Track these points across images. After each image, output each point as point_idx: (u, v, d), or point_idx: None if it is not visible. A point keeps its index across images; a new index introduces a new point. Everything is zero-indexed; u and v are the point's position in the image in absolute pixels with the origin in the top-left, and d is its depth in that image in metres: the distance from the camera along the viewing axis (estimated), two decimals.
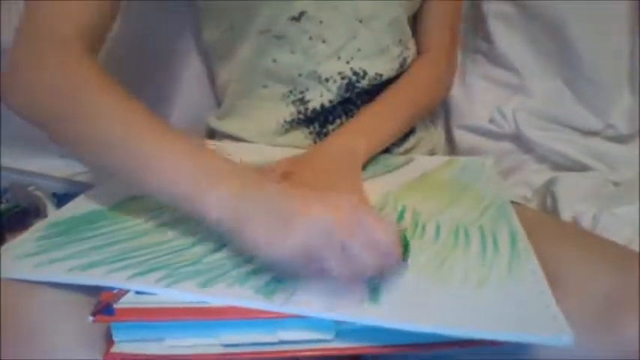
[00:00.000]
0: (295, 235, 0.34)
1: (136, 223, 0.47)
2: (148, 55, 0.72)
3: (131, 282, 0.38)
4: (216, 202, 0.37)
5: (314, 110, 0.63)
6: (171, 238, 0.44)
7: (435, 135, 0.76)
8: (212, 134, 0.70)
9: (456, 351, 0.37)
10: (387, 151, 0.65)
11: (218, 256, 0.41)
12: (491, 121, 0.79)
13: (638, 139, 0.77)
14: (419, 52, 0.70)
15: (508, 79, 0.79)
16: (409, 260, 0.41)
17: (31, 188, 0.69)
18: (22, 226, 0.66)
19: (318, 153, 0.56)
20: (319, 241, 0.34)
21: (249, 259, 0.40)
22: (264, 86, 0.63)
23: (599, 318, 0.38)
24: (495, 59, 0.80)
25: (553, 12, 0.74)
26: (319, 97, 0.62)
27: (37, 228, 0.46)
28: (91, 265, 0.40)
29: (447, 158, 0.66)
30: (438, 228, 0.47)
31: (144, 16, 0.70)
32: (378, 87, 0.65)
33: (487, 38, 0.80)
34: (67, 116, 0.44)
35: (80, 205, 0.51)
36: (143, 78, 0.70)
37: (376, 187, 0.55)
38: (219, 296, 0.36)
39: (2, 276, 0.39)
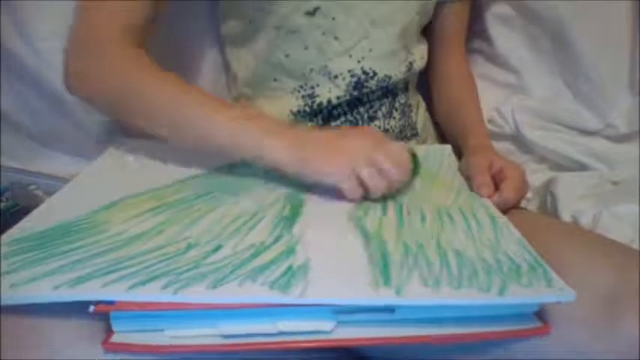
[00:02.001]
0: (345, 161, 0.47)
1: (113, 234, 0.43)
2: (167, 46, 0.72)
3: (133, 293, 0.35)
4: (281, 148, 0.49)
5: (320, 104, 0.64)
6: (159, 245, 0.42)
7: (434, 136, 0.76)
8: None
9: (453, 346, 0.38)
10: None
11: (218, 256, 0.40)
12: (491, 121, 0.79)
13: (637, 139, 0.77)
14: (438, 54, 0.73)
15: (507, 79, 0.79)
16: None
17: (31, 188, 0.69)
18: None
19: None
20: (361, 161, 0.47)
21: (254, 254, 0.40)
22: (275, 80, 0.64)
23: (599, 316, 0.37)
24: (495, 59, 0.80)
25: (552, 12, 0.74)
26: (327, 93, 0.63)
27: (2, 242, 0.41)
28: (81, 280, 0.36)
29: (423, 147, 0.67)
30: (421, 213, 0.48)
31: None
32: (385, 88, 0.65)
33: (486, 38, 0.79)
34: (133, 99, 0.53)
35: (41, 219, 0.45)
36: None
37: None
38: (233, 295, 0.35)
39: None
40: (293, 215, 0.47)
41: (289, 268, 0.38)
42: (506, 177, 0.55)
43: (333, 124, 0.65)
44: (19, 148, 0.72)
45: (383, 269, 0.38)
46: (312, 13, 0.60)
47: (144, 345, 0.36)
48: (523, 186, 0.57)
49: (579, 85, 0.76)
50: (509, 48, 0.78)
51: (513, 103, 0.78)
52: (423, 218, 0.48)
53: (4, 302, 0.35)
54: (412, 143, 0.70)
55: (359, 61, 0.63)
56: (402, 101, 0.68)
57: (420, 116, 0.73)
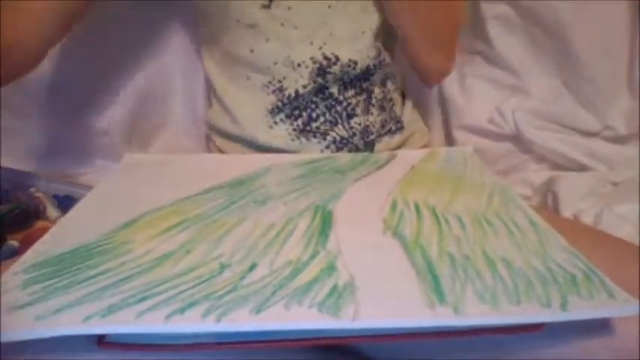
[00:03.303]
0: None
1: (138, 255, 0.40)
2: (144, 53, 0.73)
3: (172, 323, 0.33)
4: None
5: (289, 97, 0.63)
6: (190, 267, 0.38)
7: (426, 135, 0.75)
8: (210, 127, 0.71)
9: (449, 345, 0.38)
10: (373, 148, 0.65)
11: (255, 276, 0.37)
12: (491, 121, 0.79)
13: (637, 140, 0.77)
14: None
15: (507, 80, 0.79)
16: None
17: (31, 190, 0.69)
18: (22, 228, 0.66)
19: None
20: None
21: (293, 272, 0.38)
22: (247, 78, 0.64)
23: None
24: (494, 60, 0.80)
25: (552, 13, 0.74)
26: (294, 84, 0.63)
27: (14, 271, 0.38)
28: (112, 310, 0.33)
29: (427, 150, 0.65)
30: (459, 220, 0.46)
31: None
32: (356, 76, 0.64)
33: (486, 39, 0.79)
34: None
35: (57, 242, 0.42)
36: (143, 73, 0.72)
37: (374, 186, 0.54)
38: (281, 321, 0.33)
39: None
40: (324, 227, 0.45)
41: (334, 287, 0.36)
42: None
43: (313, 125, 0.64)
44: (19, 149, 0.72)
45: (434, 285, 0.36)
46: (267, 6, 0.60)
47: (139, 345, 0.34)
48: None
49: (578, 87, 0.76)
50: (509, 49, 0.78)
51: (513, 104, 0.78)
52: (462, 225, 0.45)
53: (28, 337, 0.32)
54: (397, 137, 0.68)
55: (320, 47, 0.62)
56: (380, 97, 0.67)
57: (407, 110, 0.71)
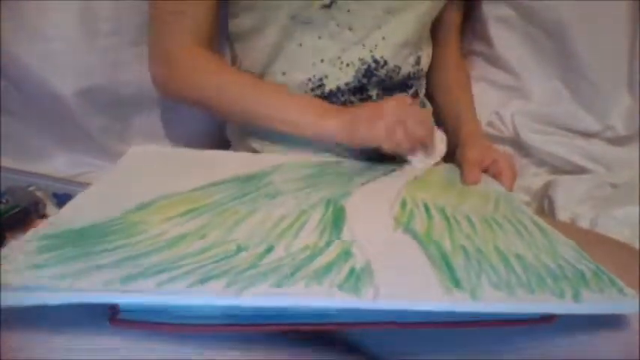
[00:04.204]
0: (381, 125, 0.56)
1: (153, 235, 0.39)
2: None
3: (194, 292, 0.32)
4: (335, 125, 0.58)
5: (330, 92, 0.64)
6: (206, 247, 0.38)
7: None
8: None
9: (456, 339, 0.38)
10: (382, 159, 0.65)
11: (273, 257, 0.37)
12: (490, 124, 0.79)
13: (637, 141, 0.77)
14: (440, 48, 0.74)
15: (507, 82, 0.79)
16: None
17: (31, 188, 0.69)
18: (22, 226, 0.66)
19: None
20: (393, 118, 0.57)
21: (310, 256, 0.38)
22: (284, 73, 0.64)
23: (599, 315, 0.38)
24: (494, 61, 0.80)
25: (552, 14, 0.74)
26: (335, 80, 0.63)
27: (26, 239, 0.37)
28: (132, 277, 0.32)
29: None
30: (469, 220, 0.46)
31: None
32: (396, 83, 0.66)
33: (486, 41, 0.79)
34: (211, 96, 0.62)
35: (71, 218, 0.41)
36: None
37: (382, 188, 0.54)
38: (304, 297, 0.33)
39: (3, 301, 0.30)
40: (337, 220, 0.45)
41: (352, 270, 0.36)
42: (502, 170, 0.59)
43: None
44: (19, 148, 0.72)
45: (449, 272, 0.36)
46: (328, 6, 0.60)
47: (152, 323, 0.33)
48: (515, 175, 0.61)
49: (578, 87, 0.76)
50: (509, 50, 0.78)
51: (512, 107, 0.78)
52: (471, 224, 0.45)
53: (44, 301, 0.31)
54: None
55: (371, 50, 0.63)
56: None
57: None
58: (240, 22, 0.66)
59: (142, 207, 0.45)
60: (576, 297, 0.34)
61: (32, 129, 0.72)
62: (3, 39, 0.66)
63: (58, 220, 0.41)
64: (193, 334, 0.35)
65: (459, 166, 0.62)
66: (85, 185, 0.68)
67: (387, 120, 0.56)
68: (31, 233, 0.38)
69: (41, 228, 0.39)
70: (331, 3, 0.60)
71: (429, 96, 0.75)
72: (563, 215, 0.69)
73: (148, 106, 0.73)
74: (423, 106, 0.72)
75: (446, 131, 0.70)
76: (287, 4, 0.60)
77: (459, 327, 0.35)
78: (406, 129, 0.57)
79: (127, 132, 0.74)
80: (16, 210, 0.65)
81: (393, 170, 0.61)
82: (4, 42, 0.66)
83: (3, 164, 0.70)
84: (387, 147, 0.57)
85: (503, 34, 0.78)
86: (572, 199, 0.70)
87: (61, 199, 0.68)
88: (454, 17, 0.75)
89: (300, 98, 0.62)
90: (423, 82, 0.72)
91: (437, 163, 0.65)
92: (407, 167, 0.62)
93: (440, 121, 0.74)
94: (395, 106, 0.57)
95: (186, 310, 0.34)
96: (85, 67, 0.68)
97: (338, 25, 0.61)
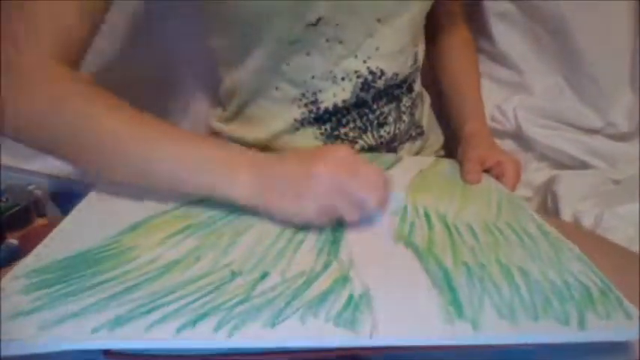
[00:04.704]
0: (311, 196, 0.42)
1: (145, 262, 0.38)
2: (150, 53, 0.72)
3: (183, 337, 0.31)
4: (241, 187, 0.43)
5: (326, 110, 0.60)
6: (200, 275, 0.37)
7: (441, 137, 0.75)
8: (215, 134, 0.68)
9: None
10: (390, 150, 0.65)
11: (267, 284, 0.36)
12: (492, 118, 0.79)
13: (638, 137, 0.77)
14: (439, 36, 0.72)
15: (509, 78, 0.78)
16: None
17: (30, 187, 0.69)
18: (22, 226, 0.66)
19: None
20: (333, 197, 0.42)
21: (306, 282, 0.37)
22: (277, 88, 0.60)
23: None
24: (496, 57, 0.79)
25: (554, 10, 0.73)
26: (332, 98, 0.60)
27: (15, 275, 0.36)
28: (120, 322, 0.32)
29: (433, 158, 0.65)
30: (470, 228, 0.46)
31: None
32: (391, 95, 0.63)
33: (488, 37, 0.79)
34: (67, 142, 0.45)
35: (59, 246, 0.40)
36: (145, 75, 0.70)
37: None
38: (297, 336, 0.32)
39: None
40: (335, 236, 0.44)
41: (350, 298, 0.35)
42: (505, 172, 0.57)
43: (342, 130, 0.62)
44: (19, 147, 0.72)
45: (451, 297, 0.35)
46: (314, 24, 0.56)
47: (148, 356, 0.33)
48: (518, 179, 0.59)
49: (580, 83, 0.75)
50: (511, 46, 0.78)
51: (515, 101, 0.78)
52: (473, 233, 0.45)
53: (31, 351, 0.30)
54: (418, 143, 0.68)
55: (364, 61, 0.59)
56: (408, 104, 0.65)
57: (425, 112, 0.70)
58: (219, 39, 0.62)
59: (133, 227, 0.43)
60: (581, 324, 0.34)
61: None
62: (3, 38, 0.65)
63: (48, 248, 0.40)
64: None
65: (460, 164, 0.61)
66: (85, 184, 0.68)
67: (319, 200, 0.42)
68: (19, 268, 0.37)
69: (30, 260, 0.38)
70: (317, 21, 0.56)
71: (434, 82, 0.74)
72: (567, 211, 0.68)
73: (149, 105, 0.73)
74: (421, 97, 0.70)
75: (449, 126, 0.69)
76: (270, 27, 0.55)
77: (462, 349, 0.34)
78: (352, 203, 0.43)
79: None
80: (16, 209, 0.65)
81: (396, 163, 0.60)
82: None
83: (3, 163, 0.70)
84: (318, 224, 0.44)
85: (504, 30, 0.78)
86: (575, 195, 0.70)
87: (61, 199, 0.68)
88: (454, 5, 0.73)
89: (198, 143, 0.45)
90: (418, 73, 0.68)
91: (437, 160, 0.64)
92: (407, 160, 0.61)
93: (444, 111, 0.73)
94: (329, 176, 0.42)
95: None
96: (85, 67, 0.68)
97: (327, 41, 0.57)
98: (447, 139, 0.75)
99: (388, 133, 0.64)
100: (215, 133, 0.68)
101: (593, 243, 0.49)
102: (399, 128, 0.64)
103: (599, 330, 0.33)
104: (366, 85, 0.60)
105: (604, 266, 0.39)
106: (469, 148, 0.62)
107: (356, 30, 0.58)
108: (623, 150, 0.76)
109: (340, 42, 0.58)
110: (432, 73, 0.74)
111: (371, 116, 0.62)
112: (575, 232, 0.55)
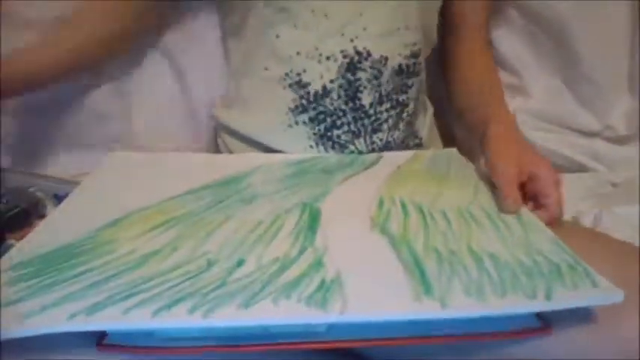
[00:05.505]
0: None
1: (123, 254, 0.40)
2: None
3: (159, 319, 0.32)
4: None
5: (316, 94, 0.60)
6: (177, 263, 0.39)
7: (440, 144, 0.75)
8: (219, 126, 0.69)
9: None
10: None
11: (243, 271, 0.38)
12: None
13: (637, 141, 0.77)
14: (459, 33, 0.71)
15: (508, 80, 0.78)
16: None
17: (31, 189, 0.69)
18: (22, 227, 0.66)
19: None
20: None
21: (281, 268, 0.38)
22: (266, 68, 0.61)
23: (598, 314, 0.38)
24: (496, 61, 0.79)
25: (553, 13, 0.73)
26: (319, 79, 0.60)
27: (1, 268, 0.38)
28: (98, 307, 0.33)
29: (413, 152, 0.65)
30: (445, 215, 0.47)
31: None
32: (393, 89, 0.62)
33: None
34: None
35: (42, 240, 0.42)
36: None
37: (361, 185, 0.54)
38: (269, 316, 0.33)
39: None
40: (312, 224, 0.45)
41: (322, 282, 0.36)
42: (545, 189, 0.50)
43: (335, 132, 0.62)
44: (19, 148, 0.72)
45: (421, 278, 0.36)
46: None
47: (140, 347, 0.34)
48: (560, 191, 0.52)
49: (579, 86, 0.76)
50: (510, 49, 0.78)
51: (514, 104, 0.78)
52: (447, 220, 0.46)
53: (16, 335, 0.32)
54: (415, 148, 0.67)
55: (352, 40, 0.59)
56: (410, 112, 0.65)
57: (427, 122, 0.69)
58: (227, 17, 0.65)
59: (112, 224, 0.45)
60: (548, 296, 0.35)
61: (32, 129, 0.72)
62: (4, 38, 0.66)
63: (30, 242, 0.42)
64: (183, 357, 0.35)
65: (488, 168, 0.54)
66: None
67: None
68: (4, 262, 0.39)
69: (13, 254, 0.40)
70: None
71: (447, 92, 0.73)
72: (566, 212, 0.68)
73: (149, 106, 0.74)
74: (423, 106, 0.69)
75: (451, 140, 0.68)
76: None
77: (454, 340, 0.36)
78: None
79: (128, 132, 0.74)
80: (16, 210, 0.65)
81: (376, 162, 0.61)
82: (4, 41, 0.66)
83: (3, 164, 0.70)
84: None
85: (503, 32, 0.78)
86: (574, 197, 0.70)
87: (62, 200, 0.68)
88: (471, 7, 0.71)
89: None
90: (423, 77, 0.67)
91: (418, 153, 0.64)
92: (388, 158, 0.61)
93: (458, 123, 0.73)
94: None
95: (176, 332, 0.34)
96: None
97: (313, 12, 0.58)
98: None
99: (381, 140, 0.63)
100: (220, 125, 0.68)
101: (592, 239, 0.49)
102: (392, 136, 0.64)
103: (565, 299, 0.34)
104: (351, 66, 0.60)
105: (604, 261, 0.40)
106: (499, 161, 0.53)
107: (343, 6, 0.58)
108: (622, 153, 0.76)
109: (326, 15, 0.58)
110: (437, 83, 0.74)
111: (366, 121, 0.62)
112: (573, 229, 0.55)
